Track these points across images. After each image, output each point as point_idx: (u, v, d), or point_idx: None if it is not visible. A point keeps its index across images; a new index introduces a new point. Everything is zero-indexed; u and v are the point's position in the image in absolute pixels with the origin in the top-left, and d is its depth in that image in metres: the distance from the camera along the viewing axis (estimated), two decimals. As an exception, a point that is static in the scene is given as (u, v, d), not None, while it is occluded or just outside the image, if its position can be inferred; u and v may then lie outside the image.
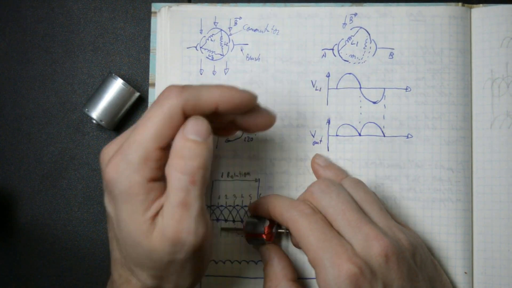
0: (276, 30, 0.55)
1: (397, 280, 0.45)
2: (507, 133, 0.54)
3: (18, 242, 0.57)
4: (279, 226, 0.52)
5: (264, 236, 0.51)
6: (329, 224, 0.47)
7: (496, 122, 0.54)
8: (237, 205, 0.55)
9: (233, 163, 0.54)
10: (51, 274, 0.57)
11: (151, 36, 0.56)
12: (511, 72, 0.54)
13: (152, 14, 0.56)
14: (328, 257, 0.44)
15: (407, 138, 0.54)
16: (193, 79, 0.55)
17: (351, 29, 0.55)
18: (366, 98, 0.54)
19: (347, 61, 0.55)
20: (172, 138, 0.41)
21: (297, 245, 0.52)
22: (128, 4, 0.59)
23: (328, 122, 0.54)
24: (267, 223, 0.51)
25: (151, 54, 0.56)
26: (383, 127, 0.54)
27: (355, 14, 0.55)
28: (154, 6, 0.56)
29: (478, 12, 0.55)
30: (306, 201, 0.49)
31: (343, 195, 0.48)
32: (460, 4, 0.55)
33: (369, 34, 0.55)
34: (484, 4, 0.55)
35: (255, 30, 0.55)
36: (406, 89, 0.54)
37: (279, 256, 0.51)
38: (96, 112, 0.55)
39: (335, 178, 0.52)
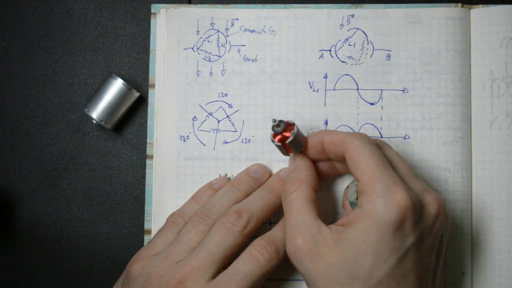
0: (273, 31, 0.55)
1: (432, 238, 0.44)
2: (507, 133, 0.53)
3: (18, 242, 0.58)
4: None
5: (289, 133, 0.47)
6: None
7: (495, 122, 0.54)
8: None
9: (231, 165, 0.54)
10: (51, 274, 0.57)
11: (151, 37, 0.56)
12: (510, 72, 0.54)
13: (152, 15, 0.56)
14: (386, 182, 0.42)
15: (404, 139, 0.54)
16: (190, 80, 0.55)
17: (348, 31, 0.55)
18: (363, 99, 0.54)
19: (345, 62, 0.54)
20: None
21: (339, 171, 0.51)
22: (128, 4, 0.59)
23: (326, 123, 0.54)
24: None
25: (150, 55, 0.56)
26: (381, 128, 0.54)
27: (352, 16, 0.55)
28: (154, 7, 0.56)
29: (478, 12, 0.55)
30: None
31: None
32: (459, 5, 0.55)
33: (366, 36, 0.55)
34: (483, 5, 0.55)
35: (252, 31, 0.55)
36: (403, 90, 0.54)
37: (309, 164, 0.49)
38: (96, 112, 0.55)
39: None
